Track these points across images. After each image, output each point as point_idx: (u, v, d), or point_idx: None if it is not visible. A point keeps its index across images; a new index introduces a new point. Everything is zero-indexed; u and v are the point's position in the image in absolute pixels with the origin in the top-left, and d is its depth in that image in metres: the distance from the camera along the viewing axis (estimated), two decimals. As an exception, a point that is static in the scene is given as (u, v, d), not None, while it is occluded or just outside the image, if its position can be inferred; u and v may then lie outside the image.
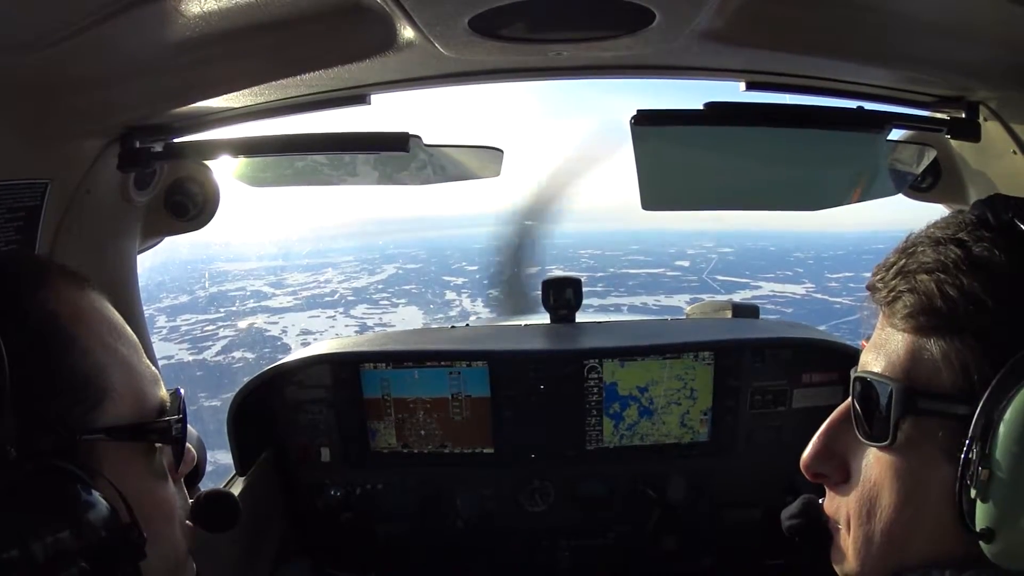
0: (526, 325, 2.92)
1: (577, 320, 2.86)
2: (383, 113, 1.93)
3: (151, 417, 0.88)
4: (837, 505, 0.97)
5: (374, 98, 1.76)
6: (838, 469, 0.96)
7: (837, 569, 0.99)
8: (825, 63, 1.56)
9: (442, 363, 2.51)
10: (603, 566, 2.68)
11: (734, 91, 1.72)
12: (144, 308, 2.08)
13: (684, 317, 3.53)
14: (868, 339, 0.93)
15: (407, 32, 1.30)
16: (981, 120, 1.66)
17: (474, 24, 1.26)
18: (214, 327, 28.95)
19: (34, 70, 1.24)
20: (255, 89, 1.60)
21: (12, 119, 1.39)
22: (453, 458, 2.58)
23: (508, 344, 2.62)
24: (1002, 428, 0.76)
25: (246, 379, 2.53)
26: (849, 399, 0.94)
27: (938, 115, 1.72)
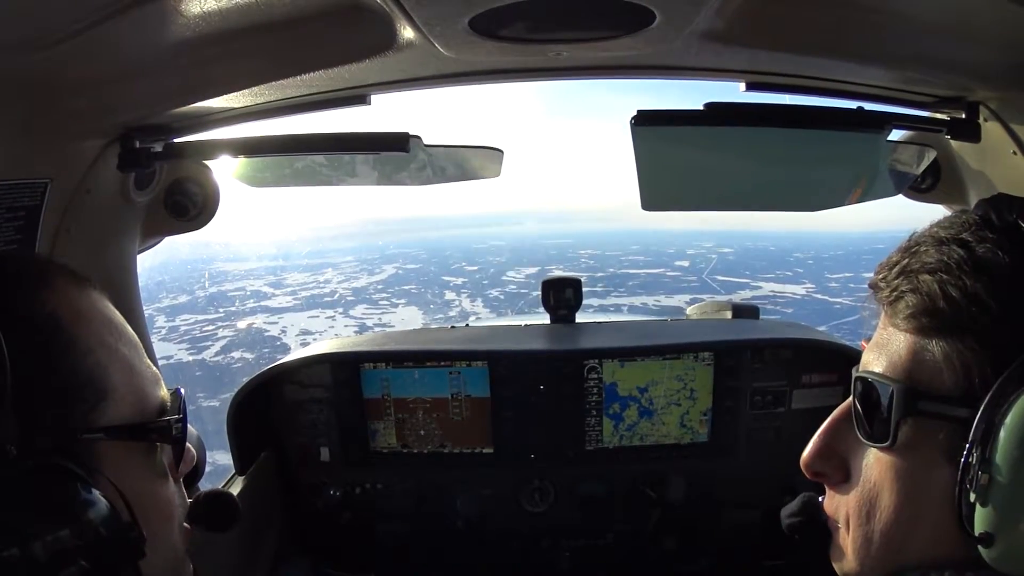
0: (526, 325, 2.92)
1: (577, 320, 2.86)
2: (383, 113, 1.93)
3: (151, 417, 0.88)
4: (837, 504, 0.96)
5: (374, 98, 1.76)
6: (838, 469, 0.95)
7: (836, 568, 0.99)
8: (825, 63, 1.56)
9: (442, 363, 2.51)
10: (603, 566, 2.68)
11: (734, 91, 1.73)
12: (144, 308, 2.08)
13: (684, 317, 3.53)
14: (869, 340, 0.93)
15: (407, 32, 1.30)
16: (981, 120, 1.66)
17: (474, 24, 1.25)
18: (213, 327, 28.99)
19: (34, 70, 1.24)
20: (255, 89, 1.60)
21: (12, 119, 1.39)
22: (453, 458, 2.58)
23: (508, 344, 2.62)
24: (1003, 433, 0.76)
25: (245, 379, 2.53)
26: (850, 398, 0.94)
27: (938, 115, 1.72)
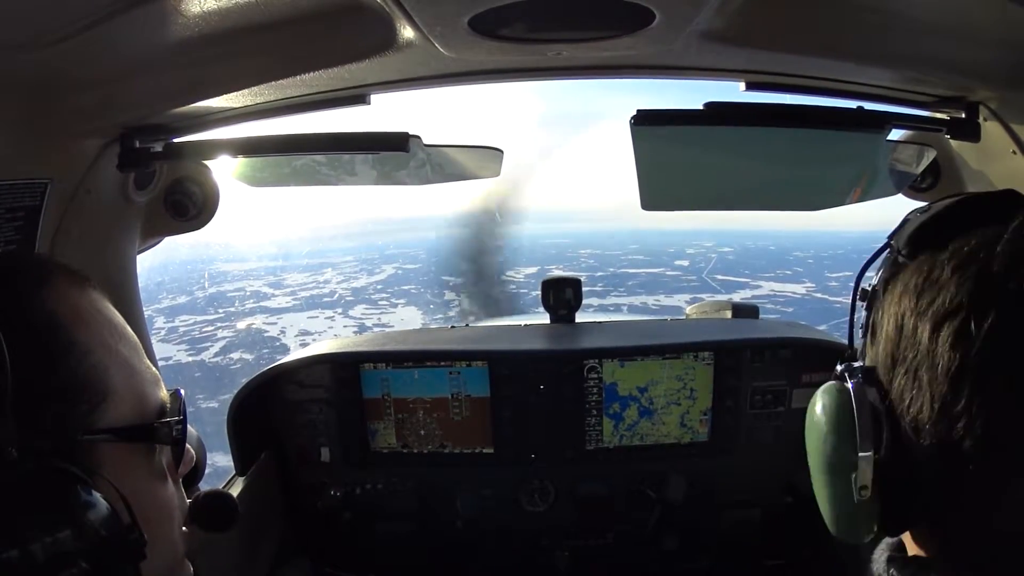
0: (526, 325, 2.92)
1: (577, 320, 2.86)
2: (383, 113, 1.93)
3: (151, 418, 0.88)
4: None
5: (374, 98, 1.76)
6: None
7: None
8: (825, 63, 1.56)
9: (442, 363, 2.51)
10: (603, 566, 2.68)
11: (734, 91, 1.72)
12: (143, 308, 2.08)
13: (684, 317, 3.53)
14: None
15: (407, 32, 1.30)
16: (981, 120, 1.66)
17: (474, 24, 1.25)
18: (212, 328, 28.94)
19: (34, 70, 1.24)
20: (255, 89, 1.60)
21: (12, 119, 1.39)
22: (453, 458, 2.58)
23: (508, 344, 2.62)
24: None
25: (245, 380, 2.53)
26: None
27: (938, 115, 1.72)
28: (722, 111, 1.57)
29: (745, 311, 3.18)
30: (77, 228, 1.68)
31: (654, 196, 1.89)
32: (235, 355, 25.46)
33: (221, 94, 1.60)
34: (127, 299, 1.94)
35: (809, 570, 2.64)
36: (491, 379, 2.50)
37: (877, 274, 0.90)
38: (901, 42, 1.42)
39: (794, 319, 3.25)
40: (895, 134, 1.84)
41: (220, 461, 2.55)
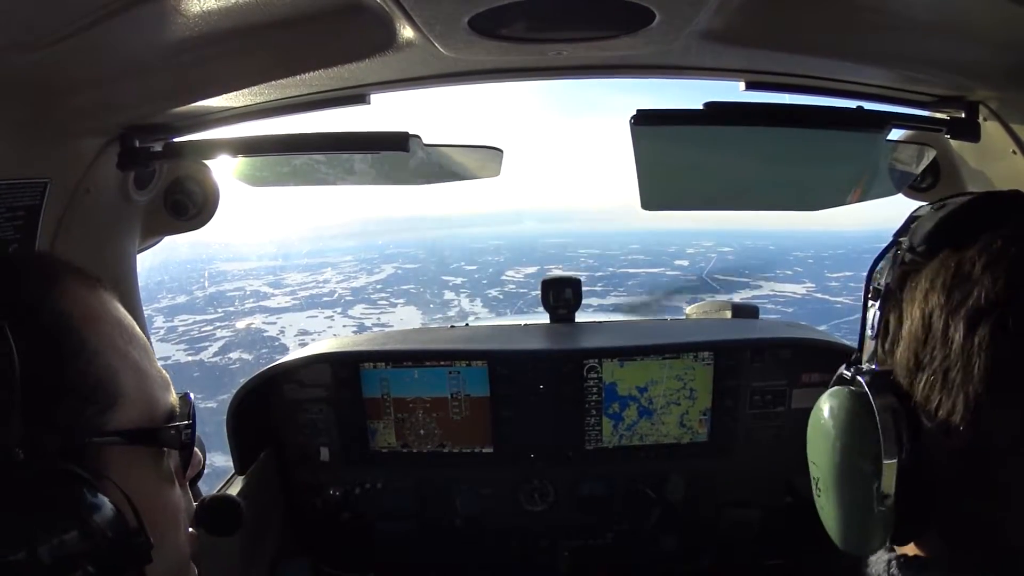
0: (525, 325, 2.92)
1: (576, 320, 2.86)
2: (383, 113, 1.93)
3: (161, 422, 0.87)
4: None
5: (373, 98, 1.76)
6: None
7: None
8: (825, 63, 1.56)
9: (441, 362, 2.51)
10: (602, 566, 2.68)
11: (734, 91, 1.73)
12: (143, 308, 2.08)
13: (684, 317, 3.53)
14: None
15: (407, 32, 1.30)
16: (981, 120, 1.66)
17: (474, 24, 1.25)
18: (211, 328, 28.95)
19: (34, 70, 1.24)
20: (254, 88, 1.60)
21: (12, 118, 1.39)
22: (452, 457, 2.58)
23: (507, 344, 2.62)
24: None
25: (244, 379, 2.53)
26: None
27: (938, 115, 1.72)
28: (722, 111, 1.57)
29: (745, 311, 3.18)
30: (77, 227, 1.68)
31: (654, 196, 1.89)
32: (234, 355, 25.46)
33: (221, 94, 1.60)
34: (127, 299, 1.94)
35: (808, 570, 2.64)
36: (491, 379, 2.50)
37: (886, 273, 0.88)
38: (901, 42, 1.42)
39: (794, 319, 3.25)
40: (895, 134, 1.84)
41: (219, 461, 2.55)
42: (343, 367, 2.53)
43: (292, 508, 2.65)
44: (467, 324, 3.02)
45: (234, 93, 1.60)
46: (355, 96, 1.74)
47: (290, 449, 2.61)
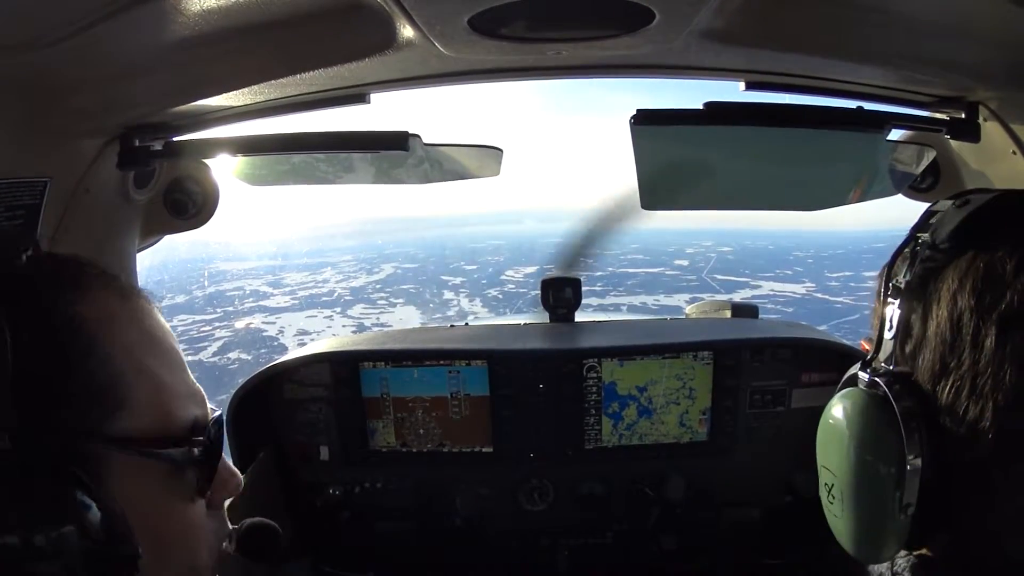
0: (525, 324, 2.92)
1: (576, 319, 2.86)
2: (382, 112, 1.93)
3: (177, 435, 0.85)
4: None
5: (373, 97, 1.76)
6: None
7: None
8: (825, 63, 1.56)
9: (441, 362, 2.51)
10: (602, 565, 2.68)
11: (733, 91, 1.73)
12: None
13: (683, 317, 3.53)
14: (869, 339, 0.91)
15: (407, 31, 1.30)
16: (981, 120, 1.66)
17: (474, 23, 1.26)
18: (210, 328, 28.91)
19: (34, 69, 1.24)
20: (254, 88, 1.60)
21: (11, 118, 1.39)
22: (452, 457, 2.58)
23: (507, 343, 2.62)
24: None
25: (244, 379, 2.52)
26: None
27: (938, 115, 1.72)
28: (722, 111, 1.57)
29: (744, 311, 3.18)
30: (77, 227, 1.68)
31: (654, 196, 1.89)
32: (233, 355, 25.42)
33: (221, 93, 1.60)
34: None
35: (809, 569, 2.64)
36: (490, 378, 2.50)
37: (904, 270, 0.84)
38: (901, 42, 1.42)
39: (794, 319, 3.25)
40: (895, 134, 1.84)
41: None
42: (343, 366, 2.53)
43: (292, 508, 2.64)
44: (467, 324, 3.02)
45: (234, 92, 1.60)
46: (355, 95, 1.74)
47: (290, 448, 2.61)
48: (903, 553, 0.84)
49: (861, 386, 0.85)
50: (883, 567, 0.85)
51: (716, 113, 1.57)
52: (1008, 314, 0.71)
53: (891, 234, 0.95)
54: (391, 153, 1.87)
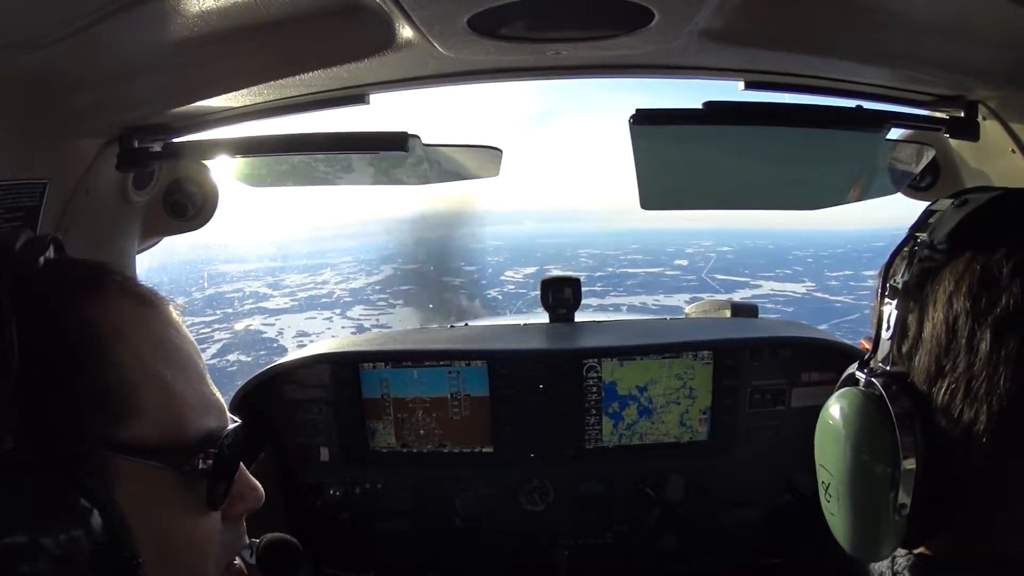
0: (525, 324, 2.92)
1: (576, 319, 2.86)
2: (382, 113, 1.93)
3: (189, 445, 0.84)
4: None
5: (373, 97, 1.76)
6: None
7: None
8: (824, 62, 1.56)
9: (441, 362, 2.51)
10: (602, 565, 2.68)
11: (733, 90, 1.73)
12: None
13: (683, 316, 3.53)
14: (868, 338, 0.91)
15: (406, 32, 1.30)
16: (980, 119, 1.66)
17: (473, 23, 1.26)
18: (209, 329, 28.89)
19: (33, 70, 1.24)
20: (254, 89, 1.60)
21: (11, 118, 1.39)
22: (452, 457, 2.58)
23: (507, 343, 2.62)
24: None
25: (244, 380, 2.52)
26: None
27: (937, 114, 1.73)
28: (721, 110, 1.57)
29: (744, 310, 3.18)
30: (76, 228, 1.68)
31: (653, 195, 1.89)
32: (232, 357, 25.40)
33: (220, 94, 1.60)
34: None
35: (809, 568, 2.64)
36: (490, 378, 2.50)
37: (902, 270, 0.83)
38: (901, 42, 1.42)
39: (794, 318, 3.25)
40: (894, 133, 1.84)
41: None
42: (343, 367, 2.53)
43: (292, 508, 2.64)
44: (467, 324, 3.02)
45: (233, 93, 1.61)
46: (354, 96, 1.74)
47: (290, 449, 2.61)
48: (903, 552, 0.84)
49: (858, 386, 0.85)
50: (883, 566, 0.85)
51: (715, 113, 1.57)
52: (1003, 318, 0.70)
53: (891, 233, 0.95)
54: (391, 154, 1.87)
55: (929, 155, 1.91)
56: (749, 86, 1.71)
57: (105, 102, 1.54)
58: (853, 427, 0.83)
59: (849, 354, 2.40)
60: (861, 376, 0.86)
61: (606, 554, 2.68)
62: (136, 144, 1.74)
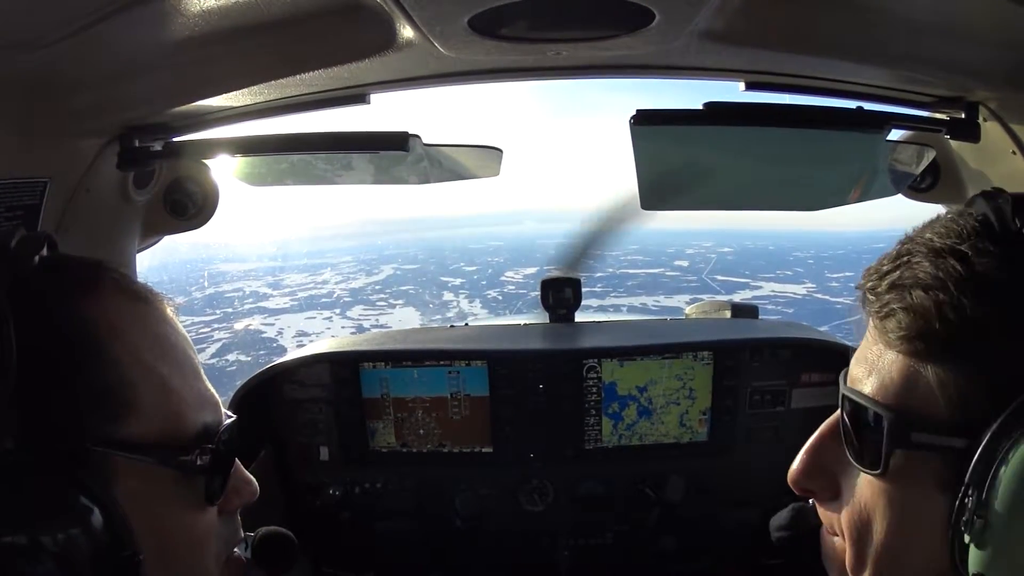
0: (525, 325, 2.92)
1: (576, 320, 2.86)
2: (382, 112, 1.93)
3: (187, 442, 0.85)
4: (830, 517, 0.93)
5: (373, 97, 1.76)
6: (827, 486, 0.92)
7: (832, 573, 0.97)
8: (825, 63, 1.56)
9: (441, 362, 2.51)
10: (602, 566, 2.68)
11: (733, 91, 1.73)
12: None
13: (683, 317, 3.53)
14: None
15: (406, 31, 1.30)
16: (981, 120, 1.66)
17: (473, 23, 1.26)
18: (209, 329, 28.89)
19: (34, 69, 1.24)
20: (254, 88, 1.60)
21: (11, 117, 1.39)
22: (452, 457, 2.58)
23: (507, 344, 2.62)
24: (1002, 476, 0.70)
25: (244, 379, 2.52)
26: (837, 413, 0.90)
27: (937, 115, 1.73)
28: (722, 111, 1.58)
29: (744, 311, 3.18)
30: (76, 227, 1.68)
31: (654, 196, 1.89)
32: (231, 356, 25.38)
33: (221, 93, 1.60)
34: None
35: (809, 569, 2.64)
36: (490, 378, 2.50)
37: None
38: (901, 42, 1.42)
39: (794, 320, 3.24)
40: (895, 134, 1.84)
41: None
42: (343, 367, 2.53)
43: (292, 508, 2.64)
44: (467, 324, 3.02)
45: (234, 93, 1.61)
46: (355, 96, 1.74)
47: (289, 449, 2.61)
48: None
49: None
50: None
51: (716, 113, 1.57)
52: None
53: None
54: (391, 153, 1.87)
55: (930, 156, 1.91)
56: (750, 87, 1.71)
57: (105, 102, 1.54)
58: None
59: (848, 356, 2.39)
60: None
61: (606, 554, 2.68)
62: (136, 143, 1.74)
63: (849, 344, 2.53)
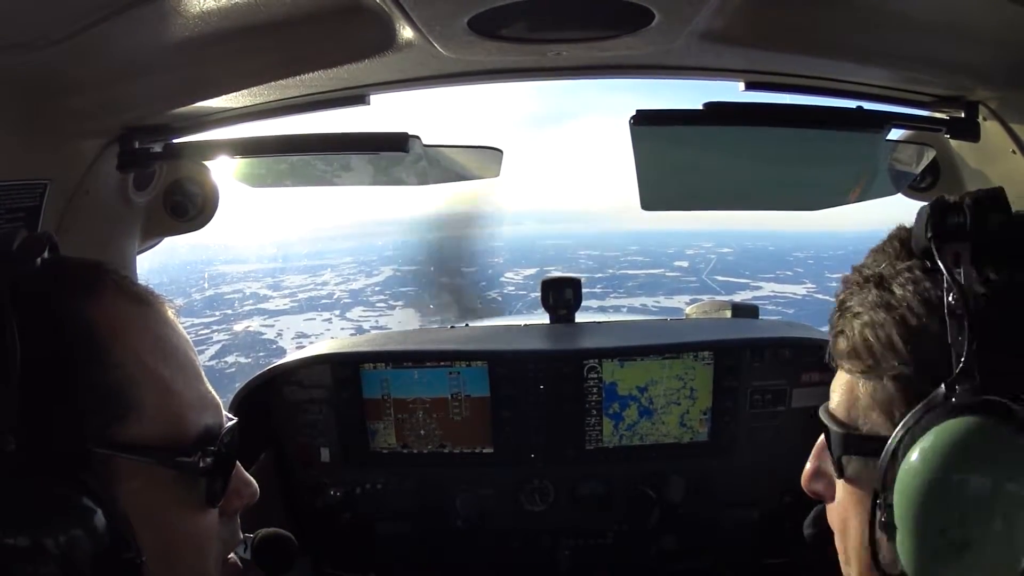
0: (526, 325, 2.92)
1: (576, 320, 2.86)
2: (382, 113, 1.93)
3: (188, 444, 0.85)
4: (831, 516, 1.01)
5: (373, 98, 1.76)
6: (829, 488, 1.00)
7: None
8: (824, 63, 1.56)
9: (442, 363, 2.51)
10: (603, 566, 2.68)
11: (733, 91, 1.73)
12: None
13: (684, 317, 3.53)
14: None
15: (406, 32, 1.30)
16: (980, 120, 1.66)
17: (473, 24, 1.26)
18: (208, 331, 28.87)
19: (34, 70, 1.24)
20: (254, 89, 1.60)
21: (11, 119, 1.39)
22: (453, 458, 2.57)
23: (507, 344, 2.62)
24: (899, 476, 0.76)
25: (244, 381, 2.52)
26: None
27: (937, 115, 1.73)
28: (722, 111, 1.58)
29: (745, 311, 3.18)
30: (76, 229, 1.68)
31: (654, 196, 1.89)
32: (230, 358, 25.36)
33: (221, 94, 1.60)
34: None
35: (809, 570, 2.64)
36: (491, 379, 2.50)
37: None
38: (901, 42, 1.42)
39: (794, 320, 3.24)
40: (894, 133, 1.84)
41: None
42: (343, 368, 2.53)
43: (292, 509, 2.64)
44: (467, 325, 3.02)
45: (234, 94, 1.61)
46: (355, 97, 1.74)
47: (290, 450, 2.61)
48: None
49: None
50: None
51: (716, 113, 1.57)
52: None
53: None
54: (391, 154, 1.87)
55: (929, 156, 1.91)
56: (749, 87, 1.71)
57: (105, 103, 1.54)
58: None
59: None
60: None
61: (607, 555, 2.68)
62: (137, 145, 1.74)
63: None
